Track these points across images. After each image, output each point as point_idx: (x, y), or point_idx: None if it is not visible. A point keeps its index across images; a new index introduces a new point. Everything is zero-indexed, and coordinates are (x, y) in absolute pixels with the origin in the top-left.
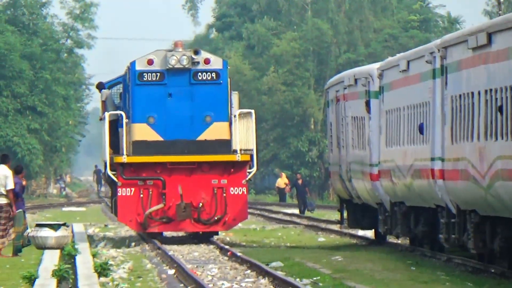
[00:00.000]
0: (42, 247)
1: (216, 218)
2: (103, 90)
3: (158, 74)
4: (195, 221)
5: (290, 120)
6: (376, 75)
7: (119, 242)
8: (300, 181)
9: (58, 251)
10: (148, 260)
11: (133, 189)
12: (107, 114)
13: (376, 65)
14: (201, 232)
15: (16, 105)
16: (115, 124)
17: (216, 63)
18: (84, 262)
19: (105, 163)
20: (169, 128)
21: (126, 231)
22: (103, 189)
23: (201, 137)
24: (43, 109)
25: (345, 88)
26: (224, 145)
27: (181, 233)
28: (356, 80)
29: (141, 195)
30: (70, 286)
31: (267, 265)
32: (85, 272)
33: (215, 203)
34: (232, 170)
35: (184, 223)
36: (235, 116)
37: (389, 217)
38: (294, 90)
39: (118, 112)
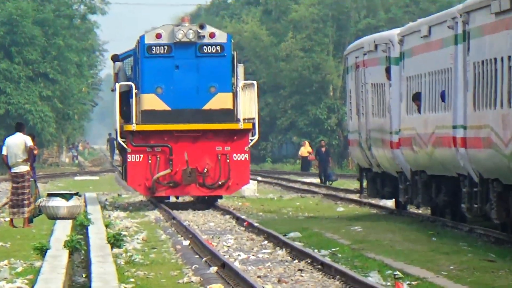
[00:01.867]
0: (54, 217)
1: (220, 182)
2: (116, 62)
3: (166, 47)
4: (200, 185)
5: (309, 87)
6: (397, 41)
7: (133, 212)
8: (323, 149)
9: (70, 222)
10: (163, 230)
11: (142, 155)
12: (117, 85)
13: (397, 31)
14: (206, 197)
15: (28, 72)
16: (126, 95)
17: (221, 37)
18: (97, 233)
19: (116, 131)
20: (176, 98)
21: (140, 200)
22: (116, 157)
23: (206, 107)
24: (56, 76)
25: (364, 54)
26: (228, 114)
27: (187, 198)
28: (376, 46)
29: (150, 161)
30: (82, 257)
31: (285, 235)
32: (98, 243)
33: (219, 169)
34: (235, 137)
35: (189, 187)
36: (239, 87)
37: (409, 186)
38: (312, 56)
39: (129, 83)
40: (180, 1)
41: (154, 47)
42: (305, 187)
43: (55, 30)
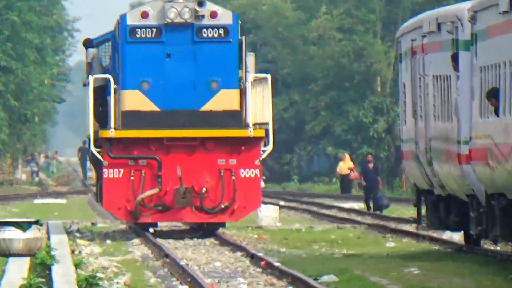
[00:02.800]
0: (6, 253)
1: (222, 206)
2: (89, 49)
3: (154, 29)
4: (197, 209)
5: (349, 80)
6: (467, 18)
7: (111, 247)
8: (370, 165)
9: (27, 259)
10: (152, 272)
11: (122, 170)
12: (91, 78)
13: (467, 5)
14: (205, 224)
15: None
16: (102, 91)
17: (225, 17)
18: (64, 275)
19: (89, 139)
20: (166, 95)
21: (121, 230)
22: (90, 173)
23: (206, 107)
24: (9, 63)
25: (424, 37)
26: (234, 117)
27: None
28: (439, 25)
29: (132, 178)
30: None
31: (316, 279)
32: None
33: (222, 188)
34: (243, 148)
35: (183, 212)
36: (249, 83)
37: (484, 214)
38: (354, 39)
39: (106, 76)
40: None
41: (139, 30)
42: (344, 214)
43: (7, 1)
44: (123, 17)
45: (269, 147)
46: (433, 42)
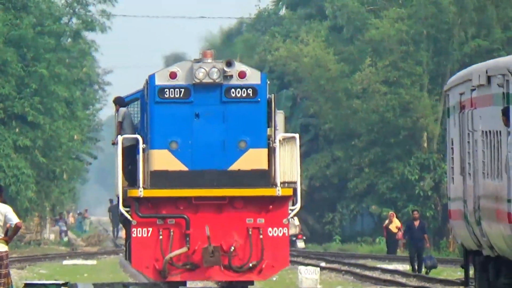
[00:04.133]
0: None
1: (250, 265)
2: (120, 108)
3: (183, 90)
4: (226, 268)
5: (394, 136)
6: None
7: None
8: (416, 223)
9: None
10: None
11: (150, 229)
12: (120, 138)
13: None
14: (233, 282)
15: None
16: (132, 150)
17: (253, 77)
18: None
19: (118, 198)
20: (195, 155)
21: None
22: (121, 233)
23: (234, 167)
24: (37, 118)
25: (473, 90)
26: (262, 176)
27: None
28: (489, 78)
29: (161, 237)
30: None
31: None
32: None
33: (250, 247)
34: (271, 207)
35: (212, 270)
36: (278, 141)
37: None
38: (400, 92)
39: (135, 136)
40: (213, 12)
41: (168, 90)
42: (388, 276)
43: (35, 53)
44: (151, 77)
45: (297, 206)
46: (483, 96)
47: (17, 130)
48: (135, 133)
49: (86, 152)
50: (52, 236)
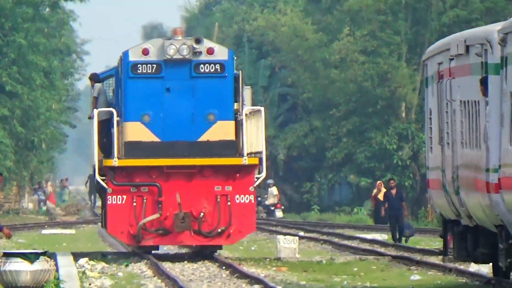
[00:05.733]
0: (13, 285)
1: (219, 230)
2: (95, 84)
3: (155, 65)
4: (196, 233)
5: (372, 105)
6: (497, 40)
7: (123, 280)
8: (393, 191)
9: None
10: None
11: (125, 196)
12: (95, 112)
13: (497, 26)
14: (203, 247)
15: None
16: (107, 123)
17: (221, 53)
18: None
19: (94, 168)
20: (166, 127)
21: (135, 263)
22: (99, 203)
23: (203, 138)
24: (14, 88)
25: (451, 60)
26: (229, 147)
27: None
28: (467, 48)
29: (134, 204)
30: None
31: None
32: None
33: (218, 213)
34: (238, 175)
35: (182, 235)
36: (244, 114)
37: None
38: (378, 62)
39: (109, 109)
40: None
41: (140, 66)
42: (366, 245)
43: (13, 22)
44: (125, 54)
45: (263, 174)
46: (461, 66)
47: None
48: (109, 107)
49: (65, 121)
50: (31, 205)
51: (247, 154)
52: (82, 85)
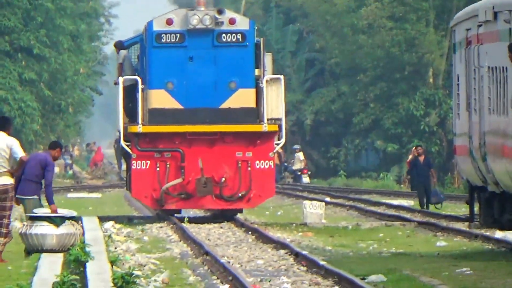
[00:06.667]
0: (38, 249)
1: (240, 194)
2: (120, 50)
3: (178, 35)
4: (217, 197)
5: (399, 71)
6: None
7: (149, 244)
8: (421, 158)
9: (61, 255)
10: (191, 269)
11: (148, 161)
12: (121, 79)
13: None
14: (224, 210)
15: (3, 45)
16: (132, 90)
17: (242, 23)
18: (99, 273)
19: (119, 133)
20: (189, 95)
21: (159, 227)
22: (124, 167)
23: (225, 105)
24: (42, 51)
25: (479, 26)
26: (250, 114)
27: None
28: (495, 14)
29: (158, 169)
30: None
31: (363, 279)
32: (100, 286)
33: (239, 178)
34: (258, 141)
35: (204, 199)
36: (265, 81)
37: None
38: (405, 28)
39: (134, 77)
40: None
41: (164, 35)
42: (392, 211)
43: None
44: (150, 23)
45: (282, 141)
46: (489, 32)
47: (23, 63)
48: (134, 74)
49: (92, 86)
50: (57, 169)
51: (267, 120)
52: (109, 49)
